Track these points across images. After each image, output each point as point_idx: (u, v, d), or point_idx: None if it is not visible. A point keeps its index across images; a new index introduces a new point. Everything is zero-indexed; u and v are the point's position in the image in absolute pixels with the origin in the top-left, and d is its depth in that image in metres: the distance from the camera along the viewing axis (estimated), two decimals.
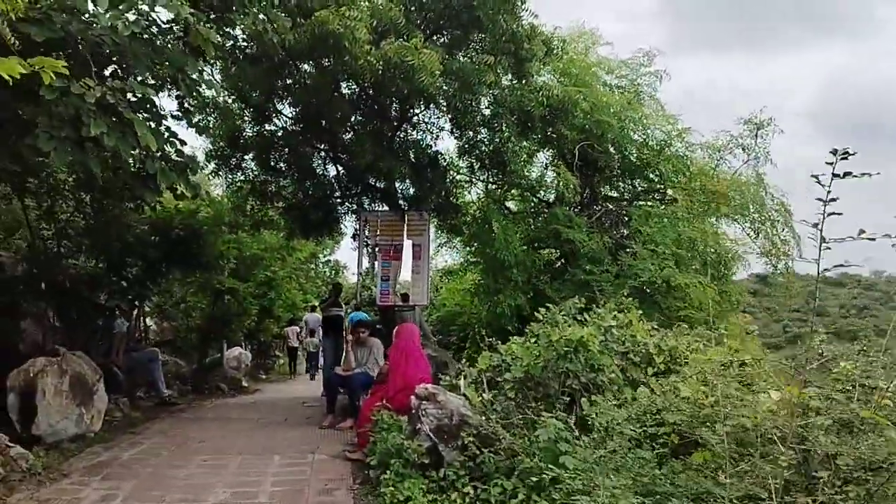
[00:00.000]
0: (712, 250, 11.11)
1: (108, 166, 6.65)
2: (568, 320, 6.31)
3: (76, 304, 9.81)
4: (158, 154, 5.88)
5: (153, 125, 5.68)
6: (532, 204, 12.87)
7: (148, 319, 14.54)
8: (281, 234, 13.31)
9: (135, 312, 12.42)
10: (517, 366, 5.77)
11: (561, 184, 10.34)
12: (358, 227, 12.62)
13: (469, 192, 12.85)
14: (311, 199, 11.55)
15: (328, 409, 8.85)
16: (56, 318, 10.68)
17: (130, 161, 6.19)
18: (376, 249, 10.84)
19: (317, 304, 27.15)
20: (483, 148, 10.65)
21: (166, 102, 27.67)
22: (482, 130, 10.46)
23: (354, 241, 12.93)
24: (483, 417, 5.18)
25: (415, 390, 5.60)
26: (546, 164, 12.35)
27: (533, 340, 6.05)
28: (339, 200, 11.88)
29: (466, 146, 10.76)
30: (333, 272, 31.14)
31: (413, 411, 5.45)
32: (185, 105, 7.37)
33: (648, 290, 9.71)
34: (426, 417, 5.27)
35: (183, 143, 6.29)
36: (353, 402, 8.39)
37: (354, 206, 11.89)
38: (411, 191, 10.83)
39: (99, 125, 4.87)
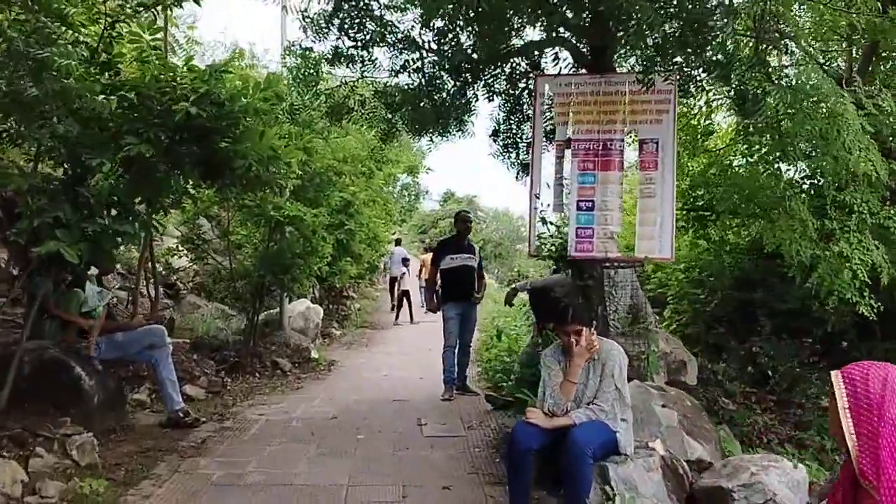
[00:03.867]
0: None
1: None
2: None
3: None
4: None
5: None
6: None
7: (175, 259, 9.90)
8: (373, 130, 8.26)
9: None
10: None
11: None
12: (500, 115, 7.47)
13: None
14: (438, 61, 6.43)
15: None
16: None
17: None
18: (566, 150, 5.71)
19: (400, 238, 22.54)
20: None
21: None
22: None
23: (495, 140, 7.77)
24: None
25: None
26: None
27: None
28: (479, 69, 6.66)
29: None
30: (413, 197, 26.29)
31: None
32: None
33: None
34: None
35: None
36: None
37: (507, 74, 6.73)
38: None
39: None
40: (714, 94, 7.16)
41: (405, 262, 17.38)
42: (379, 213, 14.61)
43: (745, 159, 8.29)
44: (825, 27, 7.22)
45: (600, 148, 5.57)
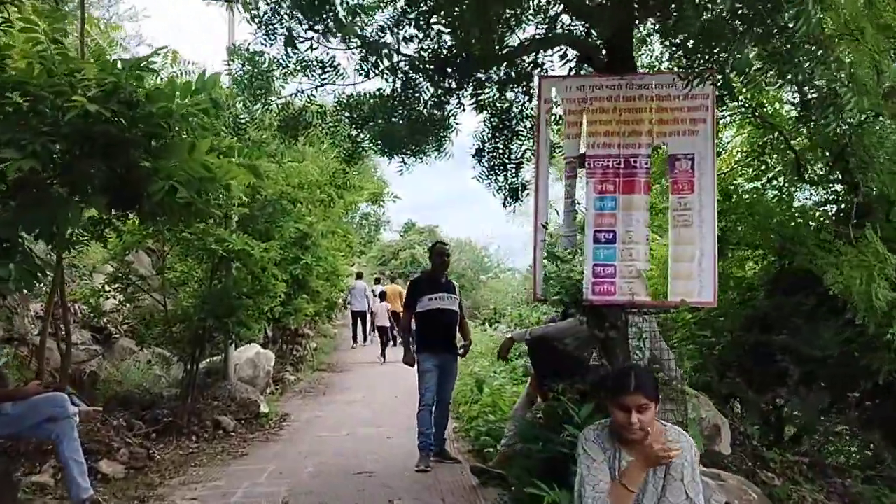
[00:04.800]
0: None
1: None
2: None
3: None
4: None
5: None
6: None
7: (104, 300, 8.44)
8: (334, 151, 7.04)
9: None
10: None
11: None
12: (486, 131, 6.45)
13: None
14: (416, 63, 5.30)
15: None
16: None
17: None
18: (578, 168, 4.62)
19: (361, 272, 21.21)
20: None
21: None
22: None
23: (480, 161, 6.68)
24: None
25: None
26: None
27: None
28: (466, 73, 5.56)
29: None
30: (373, 227, 25.14)
31: None
32: None
33: None
34: None
35: None
36: None
37: (499, 78, 5.63)
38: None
39: None
40: (738, 103, 6.17)
41: (373, 294, 16.70)
42: (338, 245, 13.35)
43: (754, 183, 7.41)
44: None
45: (622, 165, 4.49)
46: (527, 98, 5.97)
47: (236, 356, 9.48)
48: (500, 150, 6.51)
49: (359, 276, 18.22)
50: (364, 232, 21.43)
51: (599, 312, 4.44)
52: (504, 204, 6.55)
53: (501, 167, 6.47)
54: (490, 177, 6.49)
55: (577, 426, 4.07)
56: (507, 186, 6.49)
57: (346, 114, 5.95)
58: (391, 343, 16.20)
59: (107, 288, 8.20)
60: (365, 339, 18.51)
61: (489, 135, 6.51)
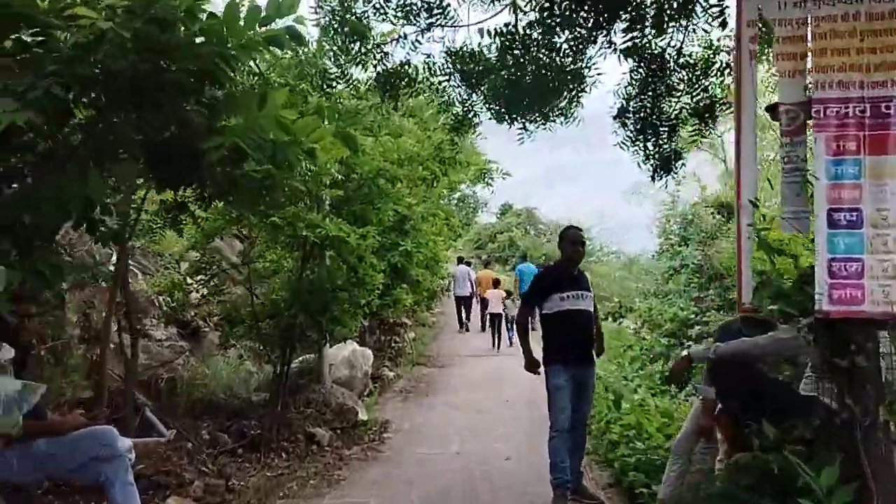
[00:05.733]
0: None
1: None
2: None
3: None
4: None
5: None
6: None
7: (178, 292, 7.64)
8: (439, 117, 5.84)
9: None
10: None
11: None
12: (631, 86, 5.11)
13: None
14: None
15: None
16: None
17: None
18: (800, 121, 3.22)
19: (462, 256, 20.39)
20: None
21: None
22: None
23: (624, 124, 5.33)
24: None
25: None
26: None
27: None
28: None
29: None
30: (471, 209, 24.03)
31: None
32: None
33: None
34: None
35: None
36: None
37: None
38: None
39: None
40: None
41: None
42: (439, 228, 12.23)
43: None
44: None
45: (867, 114, 3.05)
46: (716, 27, 4.53)
47: (331, 355, 8.56)
48: (649, 110, 5.12)
49: (460, 260, 17.46)
50: (462, 214, 20.23)
51: (839, 329, 3.03)
52: (653, 177, 5.19)
53: (651, 131, 5.08)
54: (636, 143, 5.11)
55: (816, 501, 2.74)
56: (658, 155, 5.10)
57: (458, 66, 4.71)
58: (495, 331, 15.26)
59: (188, 280, 7.41)
60: (465, 325, 18.08)
61: (635, 90, 5.13)
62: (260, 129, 2.87)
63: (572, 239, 5.20)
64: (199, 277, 7.47)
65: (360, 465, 6.45)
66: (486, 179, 8.56)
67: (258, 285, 9.02)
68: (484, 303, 17.05)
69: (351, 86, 4.92)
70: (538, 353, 5.28)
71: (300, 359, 8.76)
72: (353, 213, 7.83)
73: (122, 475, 3.60)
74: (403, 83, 4.79)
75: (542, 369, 5.24)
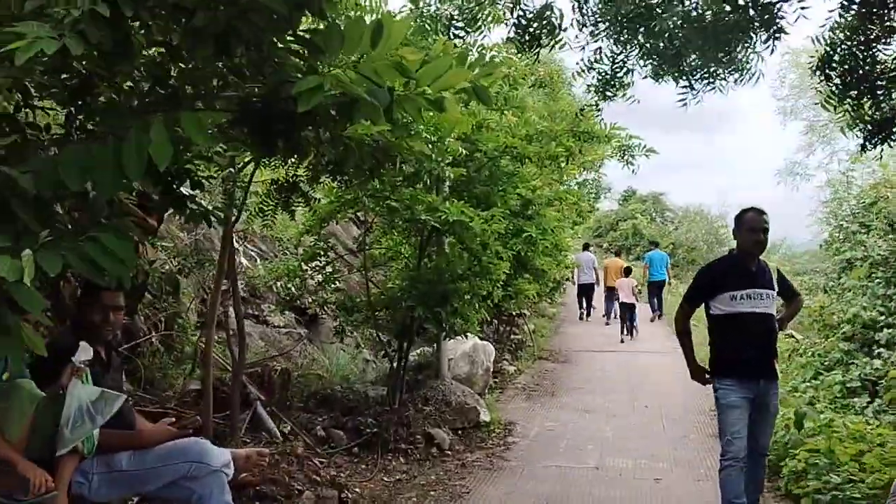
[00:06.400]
0: None
1: None
2: None
3: None
4: None
5: None
6: None
7: (294, 280, 7.19)
8: (583, 73, 4.93)
9: None
10: None
11: None
12: (838, 31, 3.98)
13: None
14: None
15: None
16: None
17: None
18: None
19: (588, 243, 19.76)
20: None
21: None
22: None
23: (828, 78, 4.23)
24: None
25: None
26: None
27: None
28: None
29: None
30: (593, 195, 22.87)
31: None
32: None
33: None
34: None
35: None
36: None
37: None
38: None
39: None
40: None
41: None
42: (567, 213, 11.30)
43: None
44: None
45: None
46: None
47: (450, 349, 7.90)
48: (862, 60, 4.01)
49: (585, 247, 17.37)
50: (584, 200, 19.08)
51: None
52: (864, 146, 4.06)
53: (865, 86, 3.96)
54: (843, 101, 4.01)
55: None
56: (873, 117, 3.98)
57: (612, 7, 3.82)
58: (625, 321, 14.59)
59: (303, 266, 6.96)
60: (588, 314, 17.58)
61: (843, 35, 4.02)
62: (373, 74, 2.15)
63: (752, 225, 4.17)
64: (313, 264, 7.01)
65: (484, 475, 5.73)
66: (626, 157, 7.54)
67: (375, 273, 8.54)
68: (610, 292, 16.32)
69: (481, 37, 4.15)
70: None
71: (418, 351, 8.19)
72: (475, 196, 7.10)
73: (217, 494, 3.06)
74: (545, 30, 3.97)
75: (709, 381, 4.30)
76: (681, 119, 73.29)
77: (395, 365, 6.80)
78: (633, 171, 7.81)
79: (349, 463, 5.76)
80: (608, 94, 4.84)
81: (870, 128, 3.97)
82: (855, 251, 8.91)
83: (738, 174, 71.37)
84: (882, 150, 4.05)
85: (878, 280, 8.29)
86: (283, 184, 5.22)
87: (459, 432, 6.87)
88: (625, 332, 14.27)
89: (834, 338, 8.07)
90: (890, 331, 7.49)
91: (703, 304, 4.30)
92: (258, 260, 10.00)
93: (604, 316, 17.34)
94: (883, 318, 7.79)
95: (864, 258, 8.59)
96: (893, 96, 3.93)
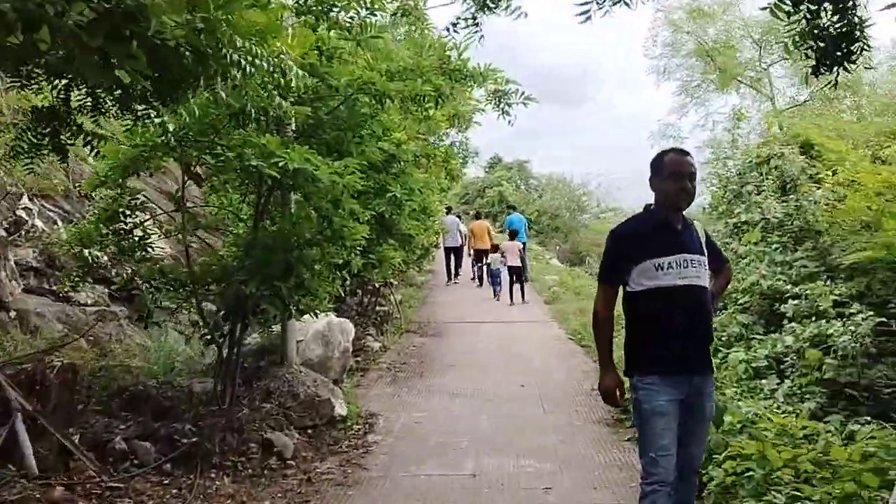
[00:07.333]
0: None
1: None
2: None
3: None
4: None
5: None
6: None
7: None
8: None
9: None
10: None
11: None
12: None
13: None
14: None
15: None
16: None
17: None
18: None
19: (450, 206, 19.43)
20: None
21: None
22: None
23: None
24: None
25: None
26: None
27: None
28: None
29: None
30: (461, 159, 22.04)
31: None
32: None
33: None
34: None
35: None
36: None
37: None
38: None
39: None
40: None
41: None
42: (436, 173, 10.18)
43: None
44: None
45: None
46: None
47: (299, 329, 6.59)
48: None
49: (448, 210, 17.27)
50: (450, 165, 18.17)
51: None
52: (816, 68, 3.19)
53: None
54: (799, 5, 3.10)
55: None
56: (828, 32, 3.11)
57: None
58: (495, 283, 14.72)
59: (102, 229, 5.34)
60: (457, 274, 17.52)
61: None
62: None
63: (675, 168, 3.19)
64: (115, 226, 5.42)
65: (335, 492, 4.55)
66: (502, 105, 6.49)
67: (213, 239, 7.04)
68: (479, 255, 16.61)
69: None
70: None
71: (258, 332, 6.83)
72: (324, 142, 5.79)
73: None
74: None
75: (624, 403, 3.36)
76: (548, 84, 74.39)
77: (224, 353, 5.42)
78: (509, 121, 6.78)
79: (156, 487, 4.39)
80: (489, 4, 3.70)
81: (822, 45, 3.12)
82: (751, 213, 8.40)
83: (611, 139, 73.83)
84: (838, 74, 3.22)
85: (775, 245, 7.76)
86: (43, 111, 3.67)
87: (309, 432, 5.67)
88: (514, 296, 14.11)
89: (732, 311, 7.49)
90: (796, 302, 6.95)
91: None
92: (59, 223, 8.13)
93: (472, 279, 17.27)
94: (788, 287, 7.22)
95: (761, 221, 8.10)
96: (852, 10, 3.09)
